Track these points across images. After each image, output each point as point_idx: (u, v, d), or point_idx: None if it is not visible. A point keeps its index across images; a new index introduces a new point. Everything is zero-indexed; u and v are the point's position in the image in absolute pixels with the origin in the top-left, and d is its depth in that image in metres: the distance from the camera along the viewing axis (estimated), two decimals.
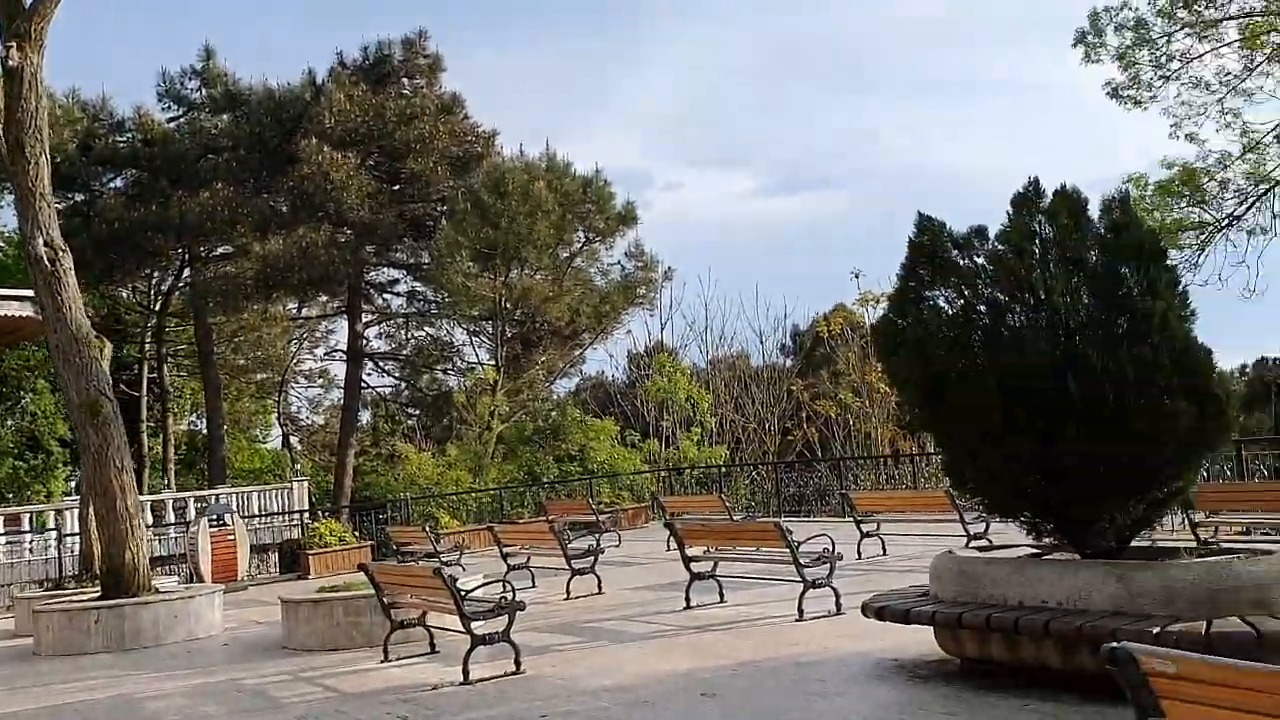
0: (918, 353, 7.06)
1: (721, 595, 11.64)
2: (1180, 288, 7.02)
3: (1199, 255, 19.79)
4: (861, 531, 15.42)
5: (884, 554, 15.05)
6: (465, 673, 8.47)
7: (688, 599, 11.38)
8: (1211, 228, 19.66)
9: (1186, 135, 19.76)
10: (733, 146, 70.04)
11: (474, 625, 8.63)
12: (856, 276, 30.86)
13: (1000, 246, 7.14)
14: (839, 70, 71.19)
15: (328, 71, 36.01)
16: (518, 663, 8.58)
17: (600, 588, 13.36)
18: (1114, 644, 3.40)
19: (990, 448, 6.77)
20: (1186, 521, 11.21)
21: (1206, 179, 19.46)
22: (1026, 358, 6.67)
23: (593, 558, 13.50)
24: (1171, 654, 3.32)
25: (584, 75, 68.38)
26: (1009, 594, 6.99)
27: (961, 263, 7.12)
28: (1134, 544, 7.22)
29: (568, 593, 13.26)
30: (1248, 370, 42.56)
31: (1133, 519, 6.89)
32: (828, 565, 10.48)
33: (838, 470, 25.95)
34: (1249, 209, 19.52)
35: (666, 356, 34.88)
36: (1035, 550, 7.51)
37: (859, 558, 14.74)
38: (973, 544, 10.05)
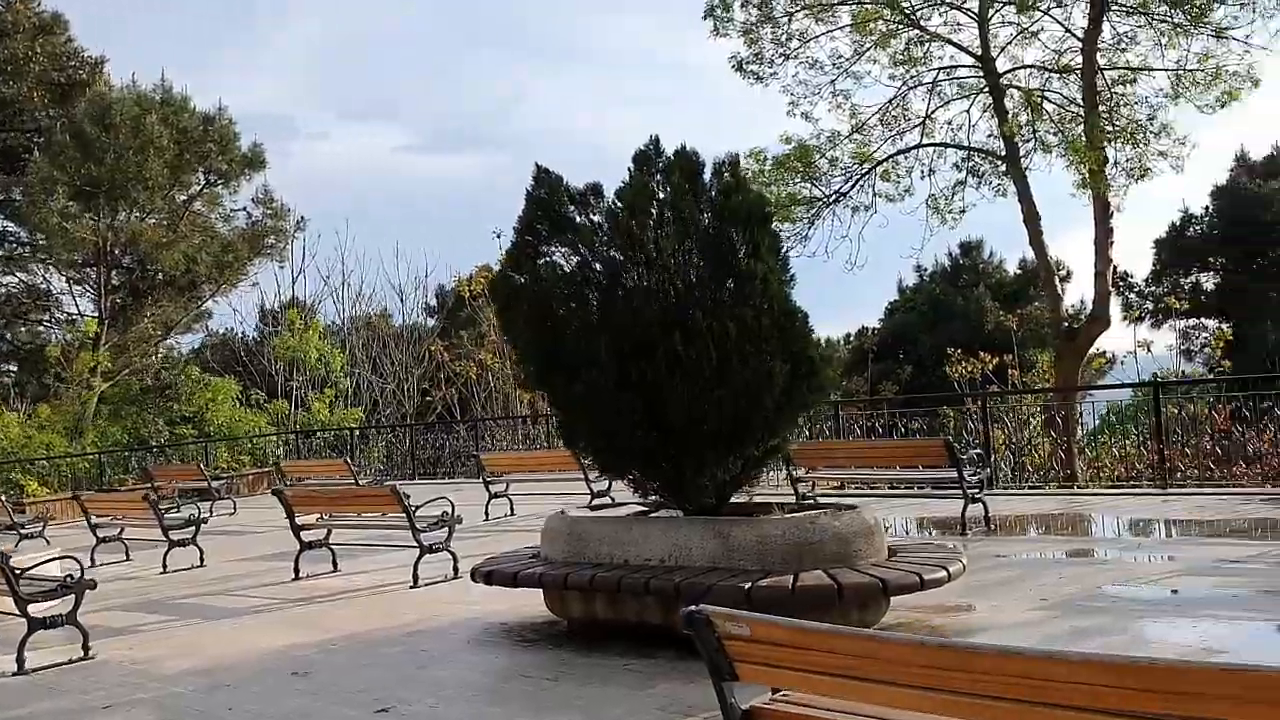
0: (533, 310, 6.86)
1: (335, 564, 11.08)
2: (781, 253, 7.27)
3: (809, 228, 21.32)
4: (490, 492, 15.34)
5: (511, 514, 15.03)
6: (20, 662, 7.41)
7: (296, 570, 10.72)
8: (820, 203, 21.23)
9: (802, 113, 21.25)
10: (382, 100, 67.68)
11: (31, 607, 7.57)
12: (498, 236, 30.59)
13: (618, 204, 7.08)
14: (495, 30, 70.50)
15: None
16: (85, 647, 7.64)
17: (202, 560, 12.34)
18: (690, 608, 3.31)
19: (601, 406, 6.71)
20: (789, 477, 11.93)
21: (818, 156, 20.95)
22: (638, 317, 6.65)
23: (194, 528, 12.42)
24: (743, 616, 3.27)
25: (224, 8, 63.26)
26: (615, 553, 7.01)
27: (578, 219, 6.99)
28: (736, 500, 7.46)
29: (164, 566, 12.13)
30: (851, 339, 46.82)
31: (732, 476, 7.09)
32: (446, 529, 10.19)
33: (475, 432, 25.77)
34: (853, 186, 21.26)
35: (297, 313, 33.11)
36: (645, 509, 7.59)
37: (486, 519, 14.64)
38: (595, 502, 10.12)
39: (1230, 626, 6.29)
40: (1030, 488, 13.86)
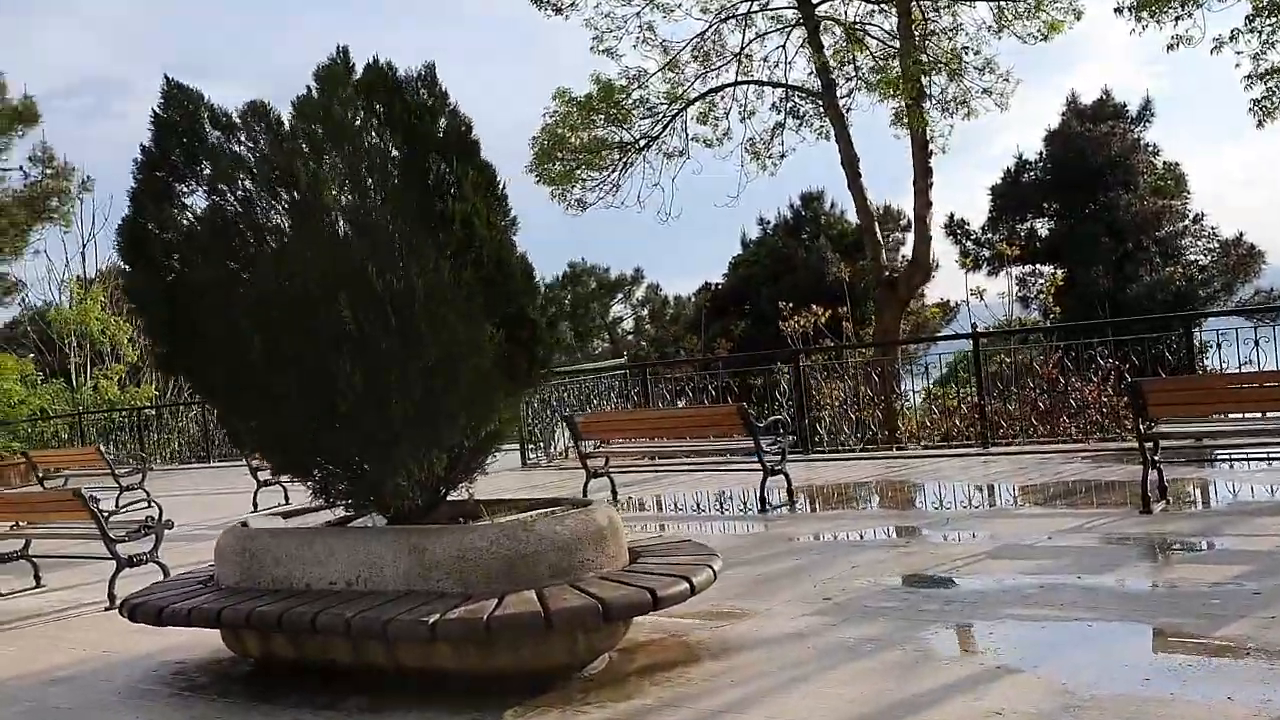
0: (162, 265, 5.34)
1: (37, 579, 9.37)
2: (499, 189, 5.92)
3: (618, 175, 19.99)
4: (259, 480, 13.75)
5: (287, 502, 13.47)
6: None
7: None
8: (631, 148, 19.90)
9: (606, 50, 19.74)
10: (207, 54, 63.48)
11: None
12: None
13: (283, 130, 5.60)
14: None
15: None
16: None
17: None
18: None
19: (255, 390, 5.26)
20: (579, 454, 10.70)
21: (624, 96, 19.57)
22: (297, 273, 5.21)
23: None
24: None
25: None
26: (295, 574, 5.63)
27: (226, 150, 5.48)
28: (458, 499, 6.12)
29: None
30: (692, 297, 46.10)
31: (442, 472, 5.75)
32: (153, 536, 8.60)
33: None
34: (664, 129, 19.98)
35: (76, 281, 30.28)
36: (345, 516, 6.19)
37: (254, 510, 13.06)
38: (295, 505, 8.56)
39: (1035, 630, 5.29)
40: (846, 452, 12.97)
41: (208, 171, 5.34)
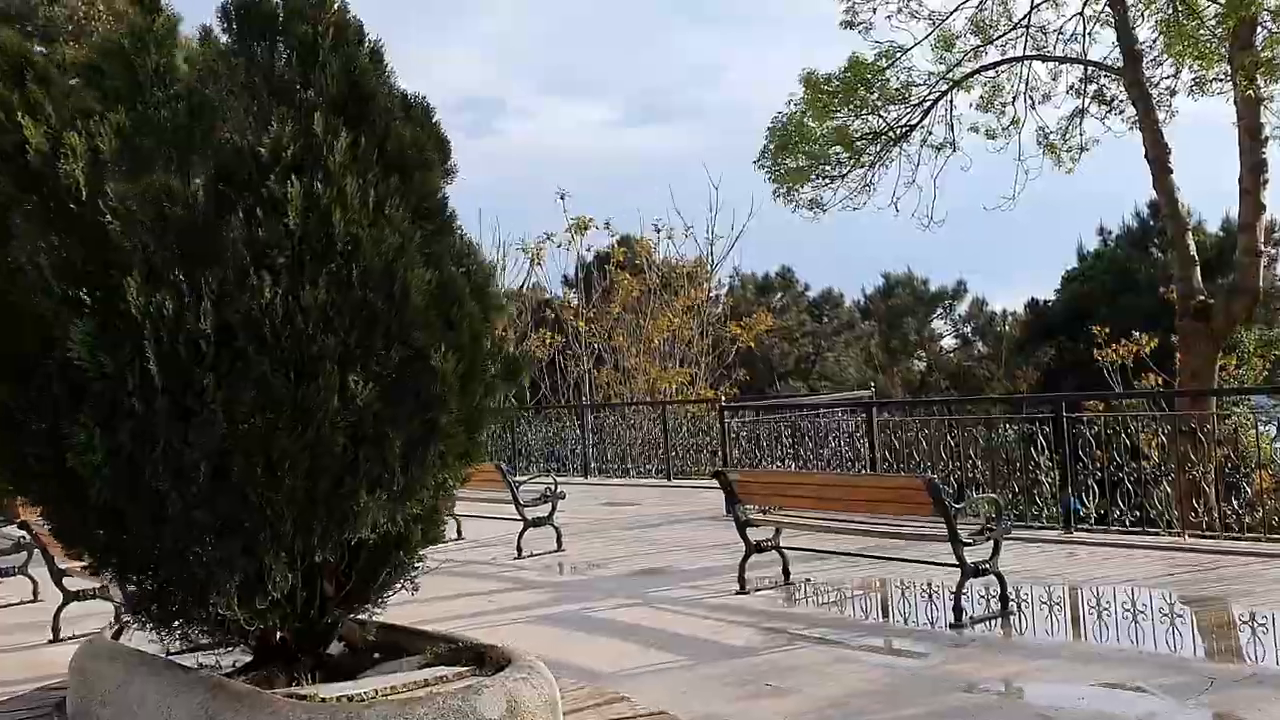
0: None
1: None
2: (447, 157, 4.01)
3: (871, 172, 17.27)
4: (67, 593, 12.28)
5: None
6: None
7: None
8: (885, 137, 17.07)
9: (859, 24, 16.84)
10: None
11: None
12: (562, 198, 27.73)
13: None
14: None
15: None
16: None
17: None
18: None
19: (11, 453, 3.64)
20: (737, 521, 8.53)
21: (879, 75, 16.73)
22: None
23: None
24: None
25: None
26: None
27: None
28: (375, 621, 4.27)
29: None
30: (1016, 314, 41.89)
31: (346, 583, 3.91)
32: None
33: None
34: (925, 116, 16.98)
35: None
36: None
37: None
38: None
39: None
40: (1125, 531, 9.91)
41: None
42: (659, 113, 71.48)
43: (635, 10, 69.20)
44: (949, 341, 50.67)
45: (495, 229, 38.01)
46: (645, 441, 19.13)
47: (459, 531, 12.37)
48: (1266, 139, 14.98)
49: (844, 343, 48.26)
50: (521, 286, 31.17)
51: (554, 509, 11.08)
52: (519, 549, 10.77)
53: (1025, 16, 16.70)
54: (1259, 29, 14.50)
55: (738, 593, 8.29)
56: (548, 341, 27.25)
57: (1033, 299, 43.73)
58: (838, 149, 16.65)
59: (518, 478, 11.59)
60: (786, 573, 8.63)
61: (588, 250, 29.65)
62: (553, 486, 11.17)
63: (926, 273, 50.53)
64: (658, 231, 28.51)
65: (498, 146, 62.85)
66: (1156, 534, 9.68)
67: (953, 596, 7.10)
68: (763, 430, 13.57)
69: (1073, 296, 40.00)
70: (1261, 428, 11.62)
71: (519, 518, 10.93)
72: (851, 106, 16.56)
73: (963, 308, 50.27)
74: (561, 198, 27.84)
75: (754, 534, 8.51)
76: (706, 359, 27.84)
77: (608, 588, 8.99)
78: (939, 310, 51.60)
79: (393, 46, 4.04)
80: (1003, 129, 17.42)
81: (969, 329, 49.71)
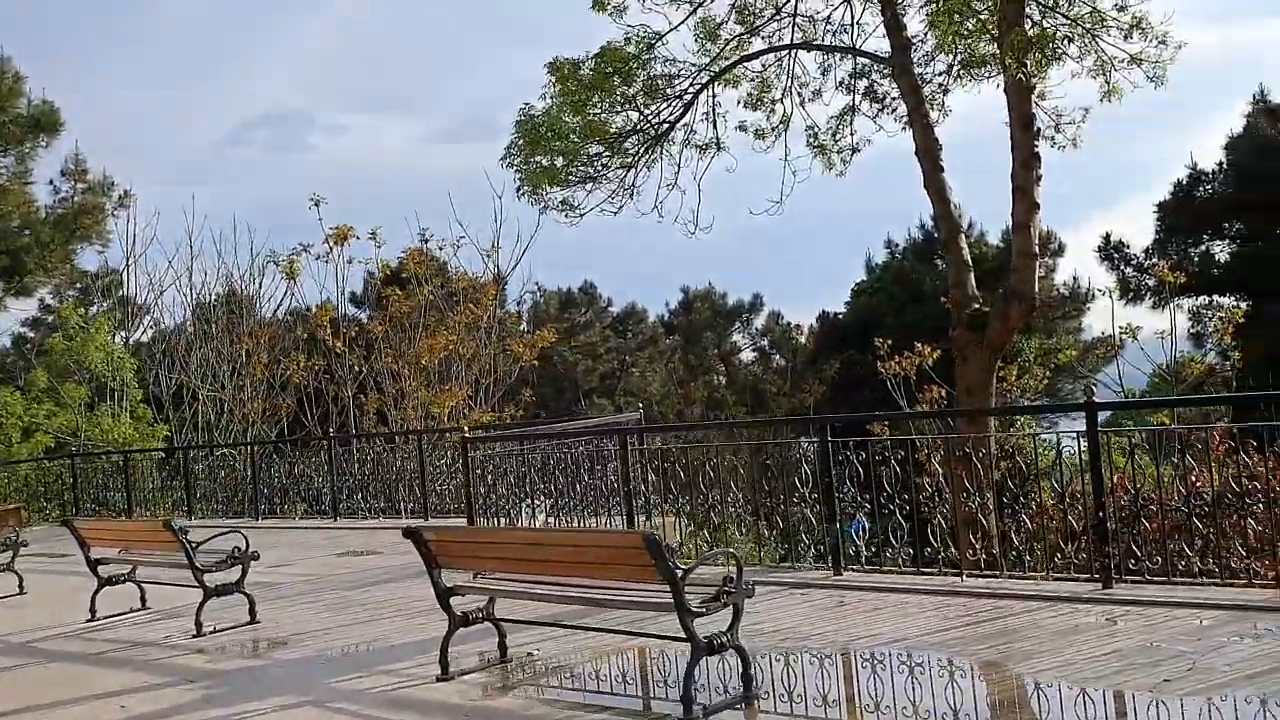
0: None
1: None
2: None
3: (631, 175, 16.01)
4: (100, 577, 10.55)
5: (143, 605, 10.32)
6: None
7: None
8: (639, 136, 15.81)
9: (614, 7, 15.56)
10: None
11: None
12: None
13: None
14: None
15: None
16: None
17: None
18: None
19: None
20: (439, 593, 6.97)
21: (636, 66, 15.49)
22: None
23: None
24: None
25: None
26: None
27: None
28: None
29: None
30: (809, 328, 41.92)
31: None
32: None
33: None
34: (685, 110, 15.80)
35: (72, 308, 27.95)
36: None
37: (91, 619, 9.92)
38: None
39: None
40: (899, 571, 8.87)
41: None
42: (484, 128, 70.35)
43: (460, 29, 67.90)
44: (748, 355, 50.56)
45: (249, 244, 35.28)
46: (402, 477, 17.37)
47: (143, 601, 10.50)
48: (1039, 130, 14.39)
49: (648, 358, 47.45)
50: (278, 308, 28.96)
51: (245, 573, 9.36)
52: (198, 624, 9.01)
53: (789, 2, 15.72)
54: (1028, 3, 13.94)
55: (440, 678, 6.76)
56: (300, 365, 25.10)
57: (823, 311, 44.02)
58: (598, 147, 15.31)
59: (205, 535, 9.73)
60: (503, 648, 7.16)
61: (348, 262, 27.54)
62: (243, 545, 9.40)
63: (726, 287, 50.35)
64: (424, 242, 26.80)
65: (308, 162, 60.82)
66: (932, 574, 8.64)
67: (683, 676, 5.75)
68: (511, 464, 12.03)
69: (861, 309, 40.33)
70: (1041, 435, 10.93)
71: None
72: (607, 99, 15.25)
73: (760, 321, 50.29)
74: (316, 204, 25.81)
75: (465, 603, 6.98)
76: (486, 380, 26.17)
77: (278, 679, 7.32)
78: (737, 324, 51.51)
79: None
80: (772, 128, 16.46)
81: (765, 342, 49.68)
